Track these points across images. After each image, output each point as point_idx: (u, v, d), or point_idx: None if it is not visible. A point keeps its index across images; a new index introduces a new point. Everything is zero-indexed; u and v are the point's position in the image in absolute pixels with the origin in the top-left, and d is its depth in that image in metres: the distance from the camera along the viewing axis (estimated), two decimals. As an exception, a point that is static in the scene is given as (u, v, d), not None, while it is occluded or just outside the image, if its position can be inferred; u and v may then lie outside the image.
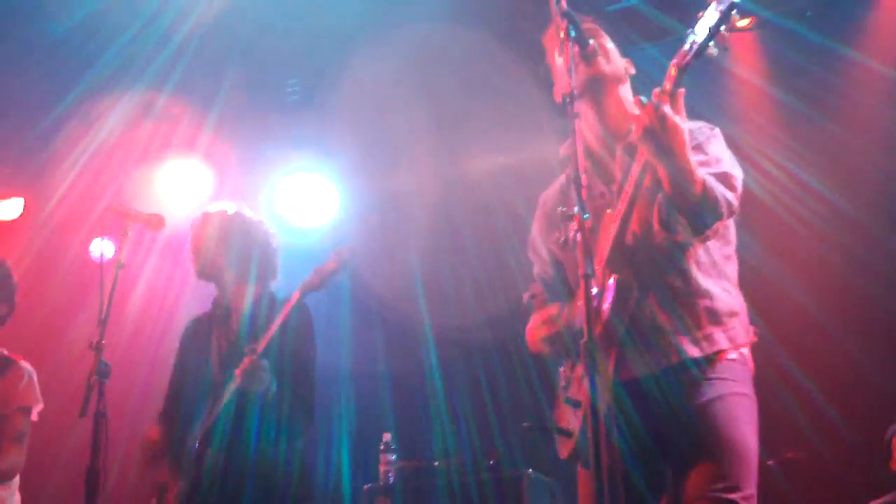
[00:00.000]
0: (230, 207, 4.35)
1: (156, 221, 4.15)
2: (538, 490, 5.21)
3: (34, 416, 4.80)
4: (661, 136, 2.65)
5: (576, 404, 2.93)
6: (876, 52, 5.92)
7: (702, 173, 2.75)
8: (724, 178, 2.86)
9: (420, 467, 5.58)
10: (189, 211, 6.13)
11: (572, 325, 2.97)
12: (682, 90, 2.72)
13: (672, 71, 2.70)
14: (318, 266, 4.00)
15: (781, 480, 5.39)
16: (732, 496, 2.71)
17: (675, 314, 2.87)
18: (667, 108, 2.66)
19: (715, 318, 2.90)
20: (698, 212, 2.76)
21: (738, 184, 2.91)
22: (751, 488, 2.76)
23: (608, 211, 2.94)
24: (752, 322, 3.03)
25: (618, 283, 2.83)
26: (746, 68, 6.10)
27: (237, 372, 3.76)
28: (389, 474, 5.51)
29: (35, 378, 4.85)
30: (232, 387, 3.82)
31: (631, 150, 2.92)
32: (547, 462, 5.49)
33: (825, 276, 5.90)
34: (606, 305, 2.82)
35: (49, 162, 7.03)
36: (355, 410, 7.11)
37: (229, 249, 4.18)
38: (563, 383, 3.06)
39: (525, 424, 3.35)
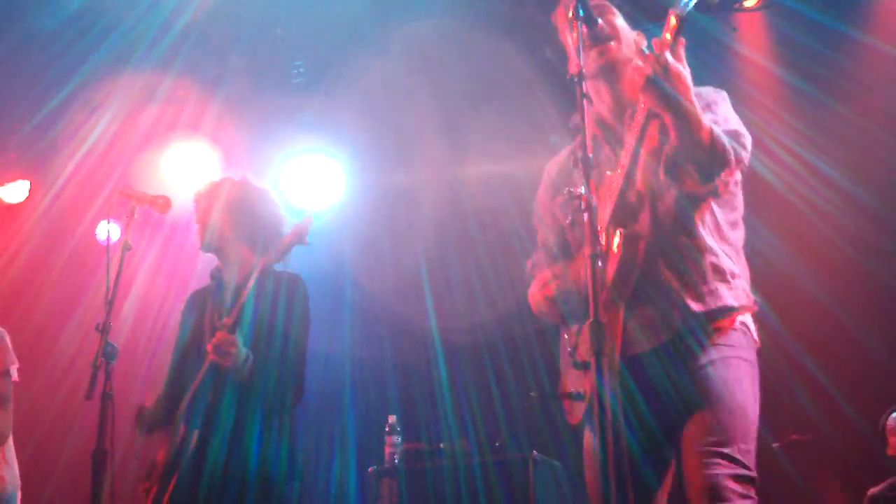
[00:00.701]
0: (236, 176, 4.27)
1: (162, 203, 4.13)
2: (543, 472, 5.22)
3: (15, 377, 4.72)
4: (663, 84, 2.67)
5: (585, 366, 2.88)
6: (885, 34, 5.89)
7: (709, 121, 2.76)
8: (734, 135, 2.86)
9: (425, 449, 5.58)
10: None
11: (571, 288, 2.97)
12: (682, 40, 2.73)
13: (672, 20, 2.71)
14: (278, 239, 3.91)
15: (786, 463, 5.39)
16: (726, 450, 2.69)
17: (681, 269, 2.86)
18: (668, 55, 2.68)
19: (720, 274, 2.89)
20: (706, 159, 2.76)
21: (748, 143, 2.91)
22: (747, 443, 2.74)
23: (607, 173, 2.93)
24: (756, 303, 3.01)
25: (624, 238, 2.82)
26: (754, 50, 6.09)
27: (208, 348, 3.71)
28: (394, 456, 5.51)
29: (7, 338, 4.76)
30: (206, 363, 3.75)
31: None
32: (550, 444, 5.50)
33: (832, 260, 5.89)
34: (612, 270, 2.81)
35: (54, 145, 7.03)
36: (360, 395, 7.12)
37: (235, 218, 4.07)
38: (569, 348, 3.05)
39: (531, 394, 3.30)
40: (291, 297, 3.95)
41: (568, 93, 2.68)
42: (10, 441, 4.75)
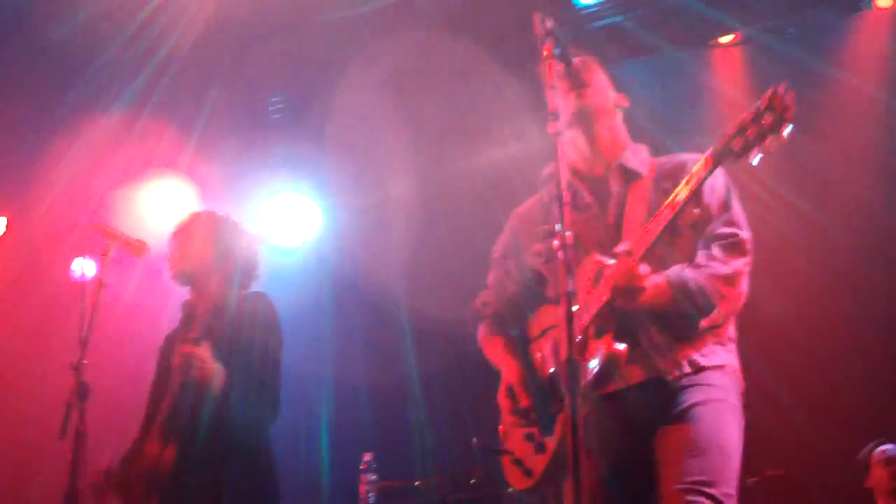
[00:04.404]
0: (218, 210, 4.30)
1: (138, 246, 4.10)
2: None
3: None
4: (632, 296, 2.71)
5: (540, 448, 2.94)
6: (856, 71, 5.98)
7: (677, 278, 2.81)
8: (730, 246, 2.97)
9: (401, 487, 5.53)
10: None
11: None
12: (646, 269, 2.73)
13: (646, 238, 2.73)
14: None
15: (761, 499, 5.38)
16: (710, 490, 2.67)
17: (675, 326, 2.88)
18: (642, 268, 2.70)
19: (716, 336, 2.94)
20: (687, 313, 2.82)
21: (745, 245, 3.03)
22: (730, 488, 2.72)
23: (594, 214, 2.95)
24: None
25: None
26: (729, 86, 6.15)
27: (174, 363, 3.67)
28: (370, 494, 5.46)
29: None
30: (173, 380, 3.72)
31: (620, 173, 3.03)
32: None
33: (806, 294, 5.92)
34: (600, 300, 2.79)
35: (30, 180, 6.99)
36: (335, 424, 7.07)
37: (213, 250, 4.08)
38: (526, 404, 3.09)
39: (473, 442, 3.28)
40: (255, 311, 3.94)
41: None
42: None
